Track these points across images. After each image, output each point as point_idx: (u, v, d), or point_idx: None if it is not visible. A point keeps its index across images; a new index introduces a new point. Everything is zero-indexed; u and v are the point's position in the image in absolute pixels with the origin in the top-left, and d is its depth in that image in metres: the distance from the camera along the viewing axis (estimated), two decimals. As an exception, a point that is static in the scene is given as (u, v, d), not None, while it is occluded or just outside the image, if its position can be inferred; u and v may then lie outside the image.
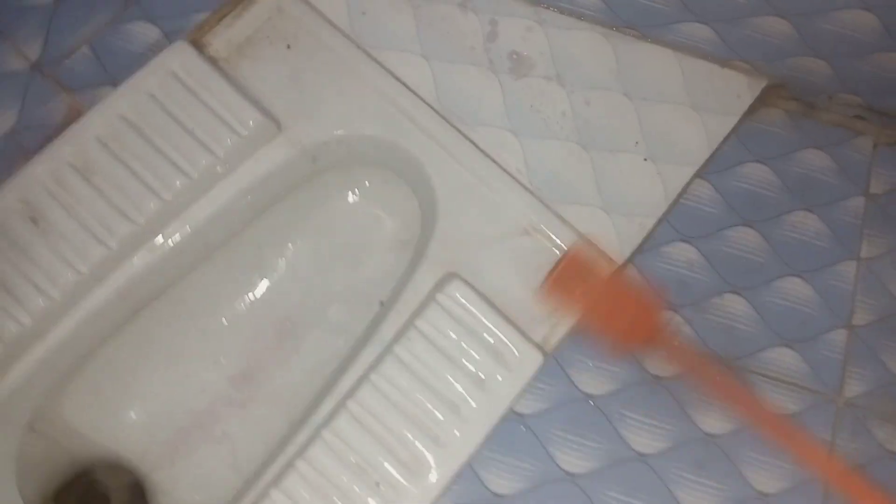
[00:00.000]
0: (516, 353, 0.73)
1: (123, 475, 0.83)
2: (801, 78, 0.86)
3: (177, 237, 0.75)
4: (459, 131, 0.81)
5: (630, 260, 0.80)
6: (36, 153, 0.75)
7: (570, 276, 0.76)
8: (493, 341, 0.73)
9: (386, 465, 0.68)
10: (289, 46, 0.82)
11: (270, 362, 0.85)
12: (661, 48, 0.86)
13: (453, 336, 0.72)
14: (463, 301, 0.73)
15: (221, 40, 0.81)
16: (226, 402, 0.85)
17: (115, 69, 0.78)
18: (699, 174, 0.84)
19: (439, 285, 0.74)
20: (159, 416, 0.84)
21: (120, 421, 0.83)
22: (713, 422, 0.78)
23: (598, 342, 0.76)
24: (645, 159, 0.82)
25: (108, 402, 0.82)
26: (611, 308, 0.76)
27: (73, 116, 0.77)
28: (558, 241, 0.78)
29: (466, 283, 0.74)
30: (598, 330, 0.76)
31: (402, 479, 0.68)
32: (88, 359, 0.77)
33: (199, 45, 0.79)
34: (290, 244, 0.88)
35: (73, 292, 0.70)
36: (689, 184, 0.83)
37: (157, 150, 0.74)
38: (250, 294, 0.87)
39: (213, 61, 0.79)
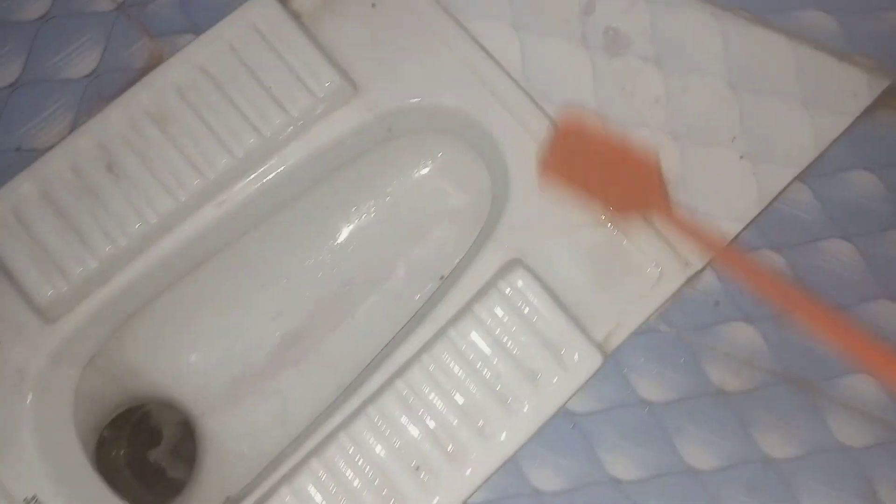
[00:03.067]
0: (575, 351, 0.70)
1: (175, 413, 0.86)
2: (931, 81, 0.77)
3: (245, 194, 0.74)
4: (542, 110, 0.76)
5: (708, 265, 0.75)
6: (115, 97, 0.75)
7: (564, 154, 0.71)
8: (552, 337, 0.70)
9: (428, 450, 0.67)
10: (374, 5, 0.79)
11: (326, 324, 0.85)
12: (776, 35, 0.78)
13: (511, 327, 0.70)
14: (525, 291, 0.70)
15: (307, -6, 0.78)
16: (280, 357, 0.86)
17: (198, 17, 0.77)
18: (800, 177, 0.77)
19: (503, 271, 0.72)
20: (215, 364, 0.86)
21: (177, 364, 0.85)
22: (774, 444, 0.74)
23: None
24: (741, 157, 0.76)
25: (167, 345, 0.84)
26: (604, 169, 0.71)
27: (154, 62, 0.77)
28: (632, 237, 0.74)
29: (531, 272, 0.71)
30: (592, 193, 0.70)
31: (442, 467, 0.67)
32: (152, 303, 0.78)
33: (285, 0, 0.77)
34: (356, 208, 0.87)
35: (140, 240, 0.71)
36: (787, 187, 0.76)
37: (233, 104, 0.73)
38: (313, 254, 0.87)
39: (296, 16, 0.77)
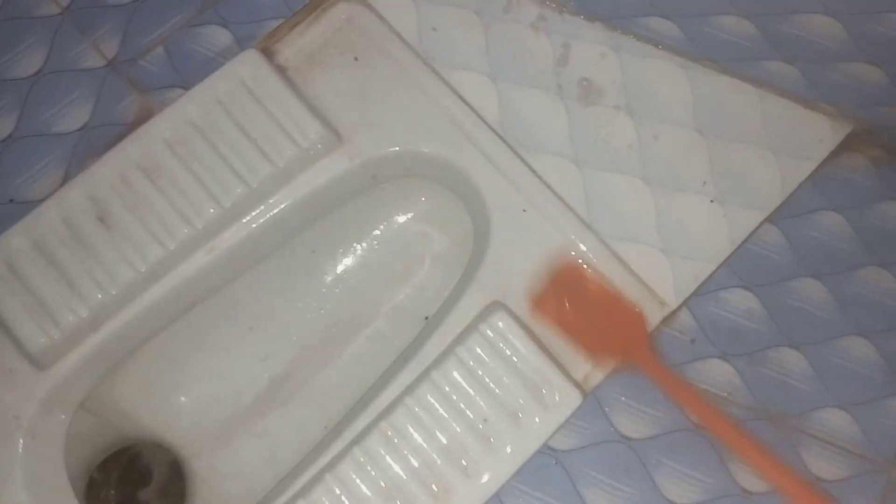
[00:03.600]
0: (555, 390, 0.72)
1: (165, 454, 0.86)
2: (891, 125, 0.80)
3: (232, 242, 0.77)
4: (519, 157, 0.79)
5: (684, 304, 0.78)
6: (106, 151, 0.78)
7: (556, 295, 0.76)
8: (532, 377, 0.72)
9: (413, 490, 0.69)
10: (356, 58, 0.82)
11: (313, 365, 0.87)
12: (742, 83, 0.82)
13: (492, 368, 0.72)
14: (506, 333, 0.72)
15: (292, 49, 0.81)
16: (268, 399, 0.87)
17: (186, 72, 0.80)
18: (769, 219, 0.80)
19: (484, 314, 0.74)
20: (205, 406, 0.87)
21: (167, 406, 0.86)
22: (752, 479, 0.76)
23: (638, 380, 0.75)
24: (711, 201, 0.79)
25: (157, 387, 0.86)
26: (592, 316, 0.76)
27: (144, 116, 0.79)
28: (610, 279, 0.76)
29: (511, 313, 0.73)
30: (577, 337, 0.75)
31: (427, 507, 0.68)
32: (142, 347, 0.80)
33: (268, 53, 0.80)
34: (342, 252, 0.89)
35: (131, 289, 0.73)
36: (756, 228, 0.79)
37: (220, 156, 0.75)
38: (300, 297, 0.89)
39: (281, 70, 0.80)
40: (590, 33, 0.82)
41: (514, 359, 0.72)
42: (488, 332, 0.72)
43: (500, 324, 0.73)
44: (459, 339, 0.73)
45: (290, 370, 0.87)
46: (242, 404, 0.88)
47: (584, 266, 0.77)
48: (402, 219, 0.89)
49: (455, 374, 0.72)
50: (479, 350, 0.72)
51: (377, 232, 0.89)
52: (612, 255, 0.77)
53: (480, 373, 0.72)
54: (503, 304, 0.74)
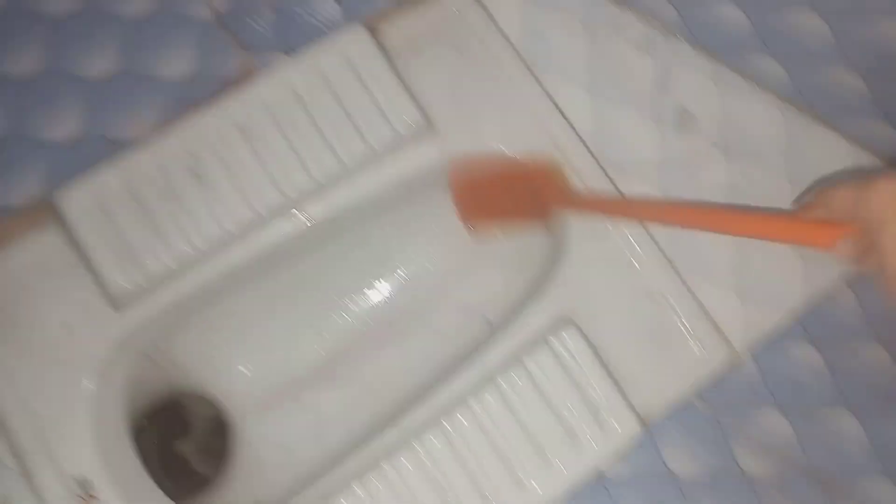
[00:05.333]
0: (615, 416, 0.72)
1: (209, 408, 0.88)
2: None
3: (317, 215, 0.77)
4: (606, 174, 0.79)
5: (751, 352, 0.78)
6: (203, 104, 0.78)
7: (470, 199, 0.81)
8: (595, 399, 0.72)
9: (465, 491, 0.70)
10: (459, 51, 0.82)
11: (371, 350, 0.88)
12: (838, 136, 0.81)
13: (558, 383, 0.72)
14: (575, 351, 0.73)
15: (397, 31, 0.81)
16: (323, 375, 0.88)
17: (290, 37, 0.80)
18: (845, 278, 0.80)
19: (554, 327, 0.75)
20: (259, 372, 0.88)
21: (223, 366, 0.87)
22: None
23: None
24: (793, 251, 0.79)
25: (216, 347, 0.87)
26: (512, 191, 0.79)
27: (244, 75, 0.79)
28: (681, 314, 0.77)
29: (581, 332, 0.74)
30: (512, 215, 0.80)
31: (477, 510, 0.69)
32: (211, 306, 0.81)
33: (374, 32, 0.80)
34: (412, 242, 0.90)
35: (216, 246, 0.74)
36: (833, 285, 0.79)
37: (318, 128, 0.76)
38: (367, 281, 0.90)
39: (385, 50, 0.80)
40: (694, 62, 0.82)
41: (580, 379, 0.73)
42: (558, 347, 0.73)
43: (571, 341, 0.73)
44: (527, 349, 0.74)
45: (348, 351, 0.88)
46: (297, 376, 0.89)
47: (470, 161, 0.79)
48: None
49: (520, 383, 0.72)
50: (546, 364, 0.73)
51: (449, 228, 0.89)
52: (688, 290, 0.77)
53: (545, 386, 0.72)
54: (574, 321, 0.75)
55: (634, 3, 0.81)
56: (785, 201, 0.80)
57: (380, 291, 0.89)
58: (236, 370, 0.87)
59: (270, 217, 0.75)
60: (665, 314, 0.77)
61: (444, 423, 0.71)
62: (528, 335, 0.75)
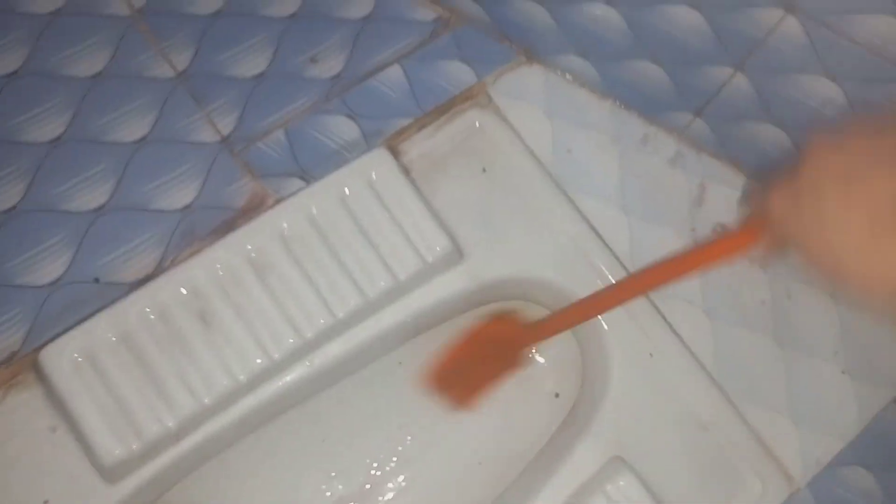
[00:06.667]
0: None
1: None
2: None
3: (334, 354, 0.69)
4: (649, 299, 0.74)
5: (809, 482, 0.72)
6: (208, 236, 0.70)
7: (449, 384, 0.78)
8: (658, 552, 0.65)
9: None
10: (484, 169, 0.77)
11: (389, 489, 0.78)
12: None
13: (619, 539, 0.65)
14: (632, 497, 0.66)
15: (417, 151, 0.76)
16: (331, 525, 0.78)
17: (306, 161, 0.74)
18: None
19: (607, 472, 0.68)
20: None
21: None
22: None
23: None
24: (843, 372, 0.75)
25: (216, 500, 0.76)
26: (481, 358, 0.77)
27: (255, 204, 0.72)
28: (738, 445, 0.71)
29: (637, 475, 0.67)
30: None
31: None
32: (210, 459, 0.71)
33: (394, 153, 0.75)
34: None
35: (225, 399, 0.65)
36: (885, 408, 0.75)
37: (339, 261, 0.69)
38: (381, 413, 0.81)
39: (407, 172, 0.74)
40: (727, 176, 0.79)
41: (641, 529, 0.66)
42: (616, 495, 0.66)
43: (628, 487, 0.66)
44: (580, 499, 0.66)
45: (361, 494, 0.79)
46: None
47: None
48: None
49: (577, 540, 0.65)
50: (604, 515, 0.65)
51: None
52: (739, 416, 0.72)
53: (606, 544, 0.65)
54: (627, 463, 0.68)
55: (663, 119, 0.78)
56: (830, 318, 0.76)
57: (396, 423, 0.80)
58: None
59: (285, 362, 0.67)
60: (721, 447, 0.71)
61: None
62: (579, 481, 0.68)
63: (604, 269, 0.74)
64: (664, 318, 0.74)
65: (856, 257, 0.42)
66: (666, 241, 0.76)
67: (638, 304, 0.74)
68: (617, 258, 0.75)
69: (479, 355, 0.77)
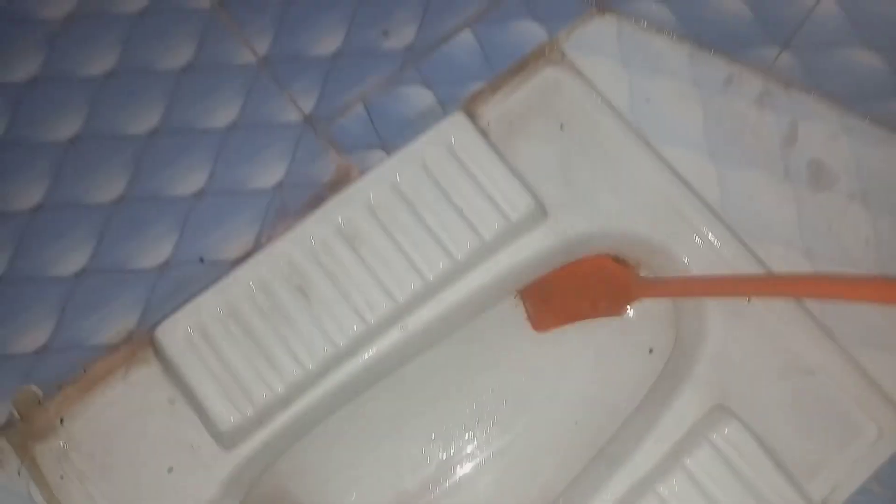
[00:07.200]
0: (793, 512, 0.64)
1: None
2: None
3: (427, 318, 0.71)
4: (744, 244, 0.72)
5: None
6: (300, 212, 0.73)
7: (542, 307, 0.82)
8: (768, 496, 0.64)
9: None
10: (562, 126, 0.76)
11: (488, 452, 0.80)
12: None
13: (724, 484, 0.64)
14: (737, 443, 0.65)
15: (494, 113, 0.76)
16: (435, 485, 0.80)
17: (386, 133, 0.76)
18: None
19: (710, 421, 0.67)
20: (367, 488, 0.80)
21: (329, 487, 0.80)
22: None
23: None
24: (962, 307, 0.70)
25: (320, 467, 0.80)
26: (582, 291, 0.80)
27: (341, 178, 0.75)
28: (847, 386, 0.68)
29: (742, 422, 0.66)
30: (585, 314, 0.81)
31: None
32: (315, 426, 0.74)
33: (471, 116, 0.75)
34: (525, 330, 0.82)
35: (327, 365, 0.68)
36: None
37: (425, 226, 0.70)
38: (477, 375, 0.82)
39: (486, 135, 0.74)
40: (820, 112, 0.75)
41: (749, 474, 0.64)
42: (721, 443, 0.65)
43: (733, 435, 0.65)
44: (684, 448, 0.66)
45: (459, 456, 0.80)
46: (407, 490, 0.81)
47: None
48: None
49: (683, 489, 0.64)
50: (709, 464, 0.64)
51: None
52: (850, 359, 0.69)
53: (712, 489, 0.64)
54: (730, 410, 0.67)
55: (747, 57, 0.75)
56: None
57: (497, 384, 0.82)
58: (341, 489, 0.79)
59: (381, 326, 0.69)
60: (831, 392, 0.68)
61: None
62: (681, 431, 0.67)
63: (694, 218, 0.73)
64: (761, 261, 0.72)
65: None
66: (758, 186, 0.74)
67: (730, 247, 0.72)
68: (707, 205, 0.73)
69: (585, 287, 0.78)
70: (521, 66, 0.78)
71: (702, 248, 0.72)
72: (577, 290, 0.80)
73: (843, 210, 0.73)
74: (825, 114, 0.75)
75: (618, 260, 0.79)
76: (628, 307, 0.81)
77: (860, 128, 0.75)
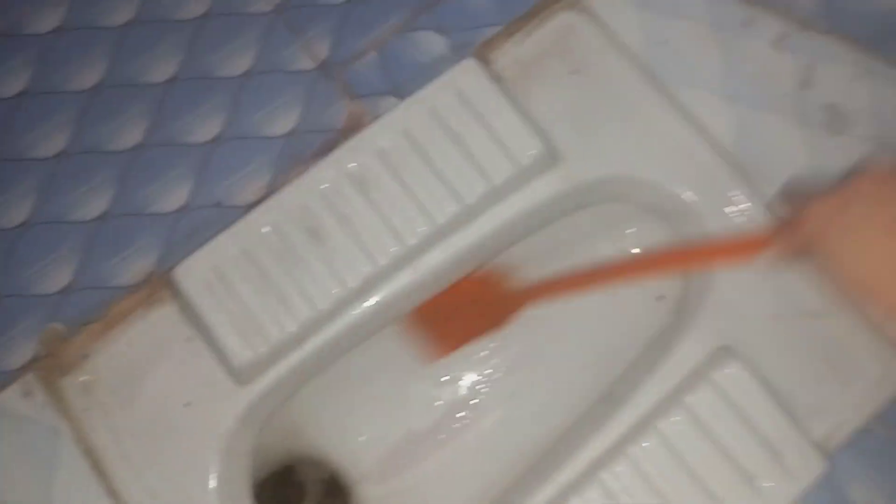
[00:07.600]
0: (795, 454, 0.64)
1: (321, 471, 0.83)
2: None
3: (436, 261, 0.72)
4: (757, 189, 0.72)
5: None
6: (312, 157, 0.74)
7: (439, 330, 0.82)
8: (770, 436, 0.64)
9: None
10: (576, 71, 0.76)
11: (497, 394, 0.81)
12: None
13: (726, 424, 0.65)
14: (741, 384, 0.66)
15: (508, 58, 0.76)
16: (444, 428, 0.82)
17: (399, 79, 0.76)
18: None
19: (713, 361, 0.67)
20: (376, 430, 0.83)
21: (338, 427, 0.83)
22: None
23: None
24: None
25: (330, 407, 0.82)
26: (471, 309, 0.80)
27: (353, 124, 0.75)
28: (851, 329, 0.68)
29: (744, 362, 0.66)
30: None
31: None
32: (327, 365, 0.76)
33: (484, 62, 0.75)
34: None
35: (338, 305, 0.69)
36: None
37: (435, 170, 0.71)
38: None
39: (498, 80, 0.74)
40: (838, 54, 0.74)
41: (749, 415, 0.65)
42: (723, 382, 0.65)
43: (734, 374, 0.66)
44: (686, 388, 0.66)
45: (470, 399, 0.82)
46: (416, 430, 0.83)
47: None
48: (604, 248, 0.83)
49: (684, 426, 0.65)
50: (711, 402, 0.65)
51: (577, 261, 0.83)
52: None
53: (713, 427, 0.65)
54: (734, 351, 0.67)
55: (764, -1, 0.73)
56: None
57: (507, 329, 0.83)
58: (350, 429, 0.82)
59: (391, 268, 0.70)
60: (835, 334, 0.68)
61: (605, 476, 0.64)
62: (684, 371, 0.68)
63: (709, 162, 0.72)
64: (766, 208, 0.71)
65: (889, 282, 0.44)
66: (773, 129, 0.73)
67: (746, 196, 0.71)
68: (723, 149, 0.73)
69: (465, 309, 0.80)
70: (537, 10, 0.77)
71: (714, 193, 0.72)
72: (458, 311, 0.80)
73: (857, 153, 0.72)
74: (844, 57, 0.74)
75: (489, 276, 0.81)
76: (507, 319, 0.82)
77: (880, 70, 0.73)
